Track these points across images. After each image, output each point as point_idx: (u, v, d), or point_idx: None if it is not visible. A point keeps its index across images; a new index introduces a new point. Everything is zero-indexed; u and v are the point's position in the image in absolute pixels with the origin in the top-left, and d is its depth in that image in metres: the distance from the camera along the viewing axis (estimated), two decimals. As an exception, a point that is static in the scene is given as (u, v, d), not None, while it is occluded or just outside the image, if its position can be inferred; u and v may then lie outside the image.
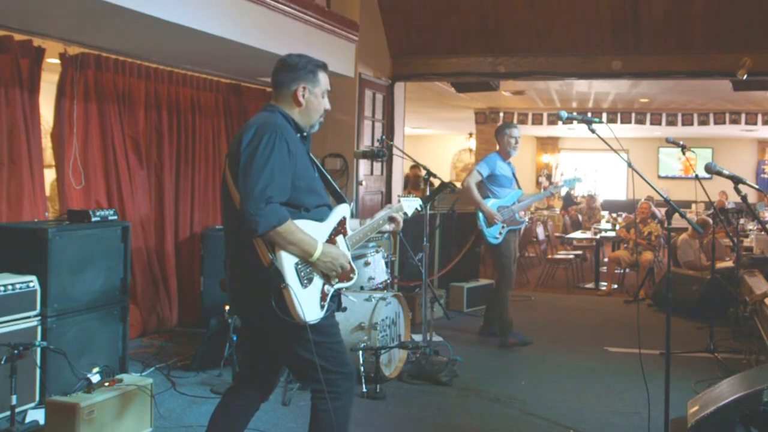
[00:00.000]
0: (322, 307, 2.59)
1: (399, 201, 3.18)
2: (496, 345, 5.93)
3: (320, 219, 2.66)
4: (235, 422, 2.85)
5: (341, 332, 4.70)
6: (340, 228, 2.74)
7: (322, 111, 2.79)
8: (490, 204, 5.93)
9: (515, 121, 13.51)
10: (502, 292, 6.05)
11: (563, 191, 6.44)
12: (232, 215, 2.57)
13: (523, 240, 11.04)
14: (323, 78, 2.78)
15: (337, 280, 2.65)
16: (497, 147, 6.10)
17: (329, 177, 2.85)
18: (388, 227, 2.98)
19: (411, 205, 3.21)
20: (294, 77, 2.72)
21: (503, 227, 5.96)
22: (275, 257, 2.47)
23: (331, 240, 2.67)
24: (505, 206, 5.99)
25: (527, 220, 6.23)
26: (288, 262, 2.49)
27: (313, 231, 2.57)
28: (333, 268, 2.59)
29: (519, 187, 6.18)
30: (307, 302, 2.51)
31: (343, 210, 2.78)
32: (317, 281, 2.59)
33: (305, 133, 2.75)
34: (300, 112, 2.72)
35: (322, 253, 2.55)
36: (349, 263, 2.68)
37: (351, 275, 2.70)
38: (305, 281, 2.54)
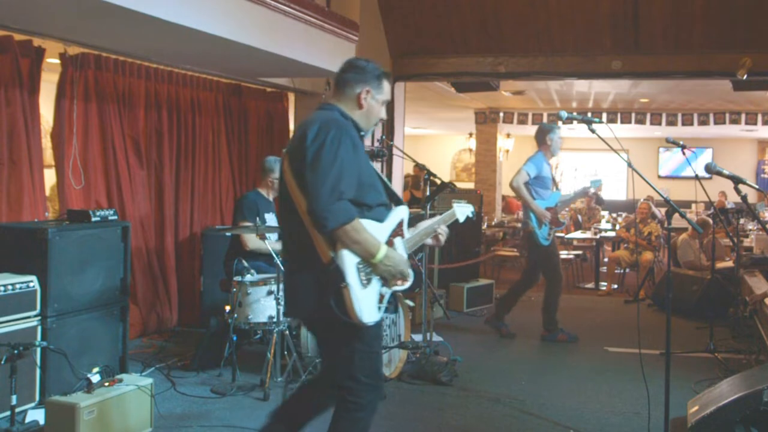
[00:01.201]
0: (379, 308, 2.58)
1: (452, 207, 3.13)
2: (541, 339, 6.13)
3: (379, 219, 2.64)
4: (307, 410, 2.82)
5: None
6: (399, 230, 2.73)
7: (379, 119, 2.79)
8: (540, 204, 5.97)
9: (515, 121, 13.51)
10: (554, 292, 6.12)
11: (591, 191, 6.44)
12: (290, 211, 2.57)
13: (523, 240, 11.07)
14: (387, 87, 2.79)
15: (395, 283, 2.62)
16: (539, 147, 6.07)
17: (384, 177, 2.82)
18: (429, 241, 2.93)
19: (463, 211, 3.17)
20: (360, 79, 2.72)
21: (551, 228, 5.96)
22: (336, 255, 2.46)
23: (389, 242, 2.65)
24: (551, 207, 5.99)
25: (566, 222, 6.29)
26: (349, 261, 2.47)
27: (374, 231, 2.55)
28: (393, 272, 2.57)
29: (558, 189, 6.19)
30: (366, 303, 2.50)
31: (401, 212, 2.76)
32: (375, 283, 2.57)
33: (363, 134, 2.75)
34: (360, 114, 2.73)
35: (384, 256, 2.53)
36: (408, 268, 2.65)
37: (407, 279, 2.65)
38: (365, 281, 2.51)
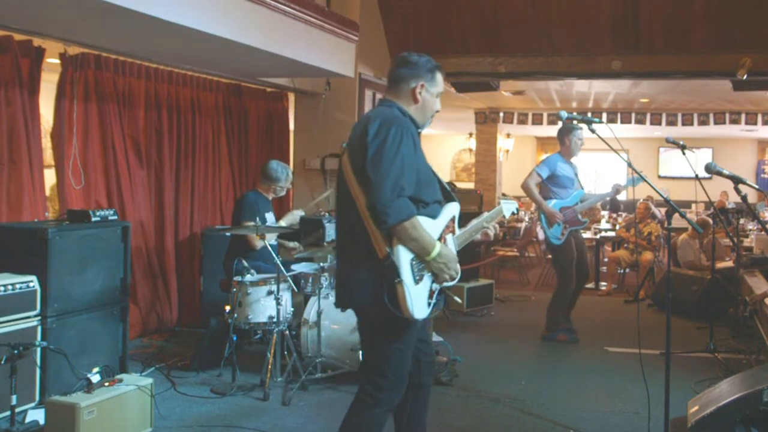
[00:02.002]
0: (428, 304, 2.62)
1: (499, 203, 3.16)
2: (541, 338, 6.14)
3: (433, 216, 2.68)
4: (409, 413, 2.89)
5: (341, 332, 4.73)
6: (450, 226, 2.78)
7: (434, 111, 2.83)
8: (552, 204, 5.99)
9: (515, 121, 13.50)
10: (562, 291, 6.15)
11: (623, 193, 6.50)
12: (348, 205, 2.62)
13: (523, 240, 11.07)
14: (440, 79, 2.83)
15: (445, 279, 2.66)
16: (559, 147, 6.14)
17: (437, 174, 2.86)
18: (478, 236, 2.99)
19: (509, 207, 3.21)
20: (414, 74, 2.76)
21: (565, 228, 5.98)
22: (392, 251, 2.50)
23: (441, 238, 2.69)
24: (568, 206, 6.02)
25: (588, 220, 6.29)
26: (404, 257, 2.51)
27: (428, 228, 2.59)
28: (445, 270, 2.62)
29: (581, 187, 6.20)
30: (417, 298, 2.54)
31: (453, 208, 2.81)
32: (427, 279, 2.61)
33: (420, 129, 2.79)
34: (416, 109, 2.77)
35: (438, 254, 2.57)
36: (458, 265, 2.70)
37: (456, 276, 2.69)
38: (417, 277, 2.56)
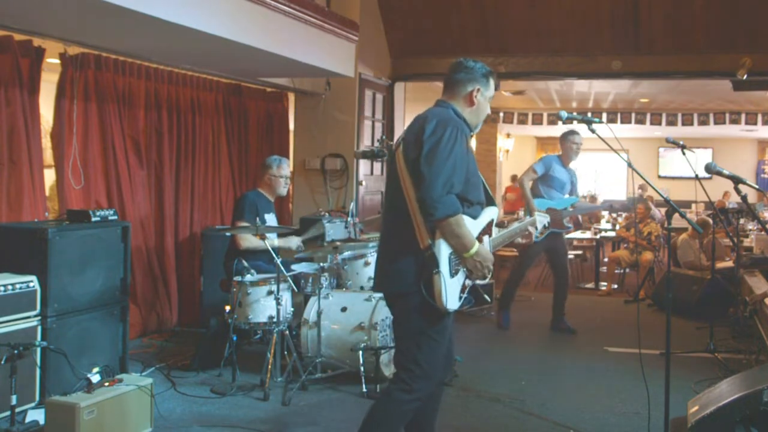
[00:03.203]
0: (460, 298, 2.78)
1: (535, 216, 3.36)
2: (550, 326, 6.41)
3: (474, 216, 2.83)
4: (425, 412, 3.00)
5: (341, 332, 4.73)
6: (488, 228, 2.92)
7: (486, 115, 2.98)
8: (538, 203, 6.11)
9: (515, 121, 13.50)
10: (514, 275, 6.66)
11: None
12: (397, 197, 2.75)
13: (524, 241, 11.05)
14: (493, 84, 2.98)
15: (478, 277, 2.80)
16: (560, 151, 6.31)
17: (481, 177, 2.98)
18: (520, 239, 3.14)
19: (542, 221, 3.40)
20: (471, 78, 2.91)
21: (546, 228, 6.03)
22: (434, 243, 2.66)
23: (479, 238, 2.81)
24: (555, 209, 6.07)
25: (572, 227, 6.38)
26: (444, 251, 2.67)
27: (469, 227, 2.73)
28: (481, 268, 2.76)
29: (577, 195, 6.31)
30: (452, 291, 2.70)
31: (492, 212, 2.96)
32: (461, 274, 2.77)
33: (472, 132, 2.94)
34: (470, 111, 2.91)
35: (476, 252, 2.71)
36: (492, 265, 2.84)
37: (489, 274, 2.82)
38: (453, 271, 2.72)
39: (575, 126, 6.67)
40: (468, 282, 2.81)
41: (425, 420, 3.02)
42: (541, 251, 6.45)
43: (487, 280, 2.90)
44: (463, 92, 2.91)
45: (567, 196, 6.28)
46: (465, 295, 2.80)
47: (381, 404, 2.81)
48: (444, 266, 2.66)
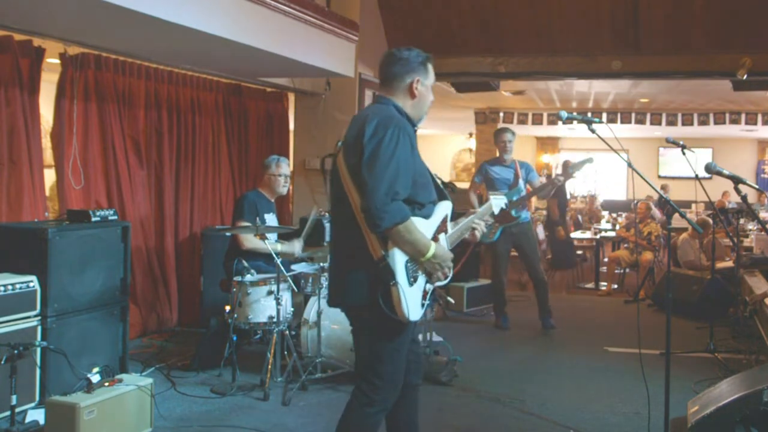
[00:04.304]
0: (422, 305, 2.62)
1: (489, 200, 3.12)
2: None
3: (427, 216, 2.67)
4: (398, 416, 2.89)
5: (341, 332, 4.72)
6: (443, 226, 2.75)
7: (430, 104, 2.82)
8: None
9: (515, 121, 13.50)
10: (492, 286, 6.77)
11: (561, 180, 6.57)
12: (343, 205, 2.59)
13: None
14: (431, 70, 2.81)
15: (438, 279, 2.65)
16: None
17: (430, 171, 2.83)
18: (466, 236, 2.94)
19: (498, 203, 3.18)
20: (408, 70, 2.73)
21: (495, 226, 6.21)
22: (387, 253, 2.48)
23: (434, 238, 2.67)
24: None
25: (523, 215, 6.39)
26: (399, 260, 2.50)
27: (421, 228, 2.57)
28: (440, 268, 2.61)
29: (517, 186, 6.38)
30: (412, 300, 2.53)
31: (446, 207, 2.79)
32: (421, 280, 2.61)
33: (416, 127, 2.77)
34: (413, 104, 2.76)
35: (433, 254, 2.56)
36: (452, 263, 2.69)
37: (448, 274, 2.69)
38: (412, 279, 2.55)
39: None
40: (429, 287, 2.65)
41: (404, 422, 2.90)
42: (508, 250, 6.52)
43: (447, 281, 2.70)
44: (402, 85, 2.73)
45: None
46: (427, 302, 2.64)
47: (346, 420, 2.68)
48: (401, 276, 2.49)
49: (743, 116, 12.47)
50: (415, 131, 2.75)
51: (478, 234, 2.94)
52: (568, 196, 11.69)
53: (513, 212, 6.25)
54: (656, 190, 3.53)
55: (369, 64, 7.30)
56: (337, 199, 2.68)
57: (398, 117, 2.63)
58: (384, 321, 2.51)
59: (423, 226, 2.59)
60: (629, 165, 3.34)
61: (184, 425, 3.93)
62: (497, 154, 6.58)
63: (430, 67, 2.79)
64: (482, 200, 6.55)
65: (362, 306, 2.61)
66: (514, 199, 6.28)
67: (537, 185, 6.60)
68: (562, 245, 9.81)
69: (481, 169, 6.61)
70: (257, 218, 4.75)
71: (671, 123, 12.72)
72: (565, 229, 9.64)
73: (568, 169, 6.45)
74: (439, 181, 2.87)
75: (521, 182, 6.40)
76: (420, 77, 2.74)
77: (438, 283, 2.68)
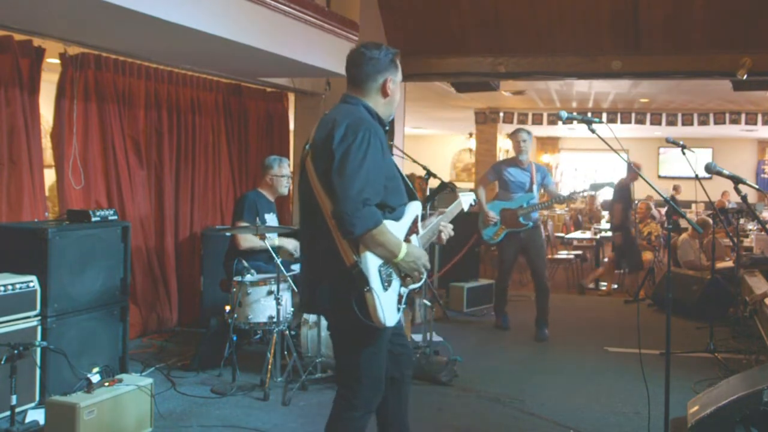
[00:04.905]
0: (398, 309, 2.57)
1: (458, 198, 3.08)
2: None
3: (398, 218, 2.62)
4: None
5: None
6: (414, 227, 2.71)
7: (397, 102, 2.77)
8: (492, 205, 6.23)
9: (515, 121, 13.49)
10: (495, 285, 6.72)
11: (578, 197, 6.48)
12: (312, 210, 2.54)
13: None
14: (399, 66, 2.76)
15: (412, 281, 2.60)
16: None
17: (401, 172, 2.78)
18: (434, 238, 2.90)
19: (467, 200, 3.15)
20: (380, 69, 2.68)
21: (502, 229, 6.12)
22: (360, 259, 2.43)
23: (406, 239, 2.63)
24: (509, 209, 6.09)
25: (531, 224, 6.21)
26: (373, 265, 2.44)
27: (393, 230, 2.52)
28: (416, 268, 2.55)
29: (532, 192, 6.22)
30: (387, 305, 2.48)
31: (416, 208, 2.73)
32: (395, 283, 2.55)
33: (386, 127, 2.71)
34: (385, 103, 2.70)
35: (406, 254, 2.51)
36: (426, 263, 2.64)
37: (422, 275, 2.63)
38: (386, 284, 2.49)
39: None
40: (404, 290, 2.58)
41: (393, 416, 2.85)
42: (514, 254, 6.38)
43: (422, 282, 2.64)
44: (375, 85, 2.66)
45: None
46: (402, 305, 2.58)
47: (333, 424, 2.64)
48: (375, 281, 2.42)
49: (743, 116, 12.47)
50: (386, 131, 2.70)
51: (444, 237, 2.90)
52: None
53: (521, 219, 6.10)
54: (656, 190, 3.53)
55: (369, 64, 7.29)
56: (305, 203, 2.63)
57: (368, 119, 2.57)
58: (359, 326, 2.46)
59: (394, 229, 2.54)
60: (629, 165, 3.34)
61: (184, 425, 3.93)
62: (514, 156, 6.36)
63: (398, 63, 2.74)
64: (493, 197, 6.49)
65: (336, 312, 2.57)
66: (525, 205, 6.12)
67: (552, 190, 6.45)
68: (625, 249, 9.29)
69: (495, 168, 6.43)
70: (257, 218, 4.75)
71: (671, 123, 12.72)
72: (624, 234, 8.95)
73: (593, 186, 6.39)
74: (408, 181, 2.82)
75: (535, 187, 6.23)
76: (391, 76, 2.69)
77: (412, 286, 2.62)
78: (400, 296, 2.57)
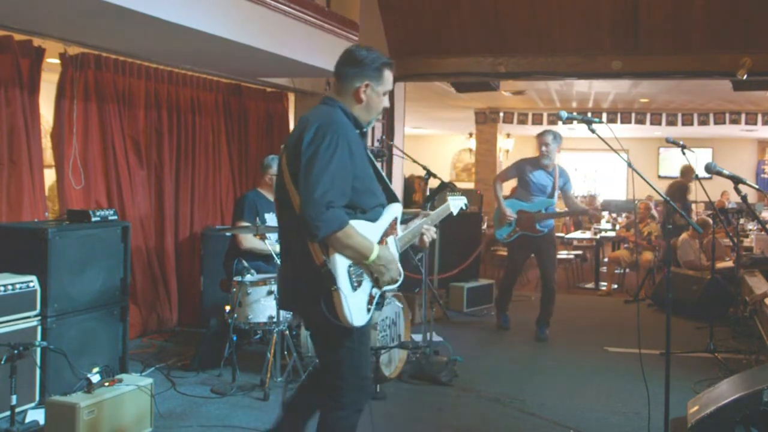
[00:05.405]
0: (368, 310, 2.57)
1: (447, 200, 3.08)
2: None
3: (374, 219, 2.62)
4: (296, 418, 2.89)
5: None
6: (391, 229, 2.70)
7: (381, 109, 2.73)
8: (509, 203, 6.15)
9: (515, 121, 13.49)
10: (501, 282, 6.64)
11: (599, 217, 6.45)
12: (287, 212, 2.57)
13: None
14: (388, 77, 2.70)
15: (385, 283, 2.60)
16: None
17: (382, 173, 2.77)
18: (416, 241, 2.88)
19: (457, 204, 3.13)
20: (359, 72, 2.63)
21: (516, 230, 6.05)
22: (329, 259, 2.44)
23: (382, 240, 2.63)
24: (527, 211, 6.02)
25: (546, 230, 6.15)
26: (341, 265, 2.46)
27: (366, 232, 2.53)
28: (385, 272, 2.56)
29: (553, 197, 6.16)
30: (355, 305, 2.49)
31: (395, 210, 2.73)
32: (366, 284, 2.56)
33: (364, 129, 2.70)
34: (359, 108, 2.66)
35: (377, 257, 2.52)
36: (400, 267, 2.64)
37: (398, 278, 2.63)
38: (355, 284, 2.50)
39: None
40: (375, 291, 2.59)
41: (302, 413, 2.88)
42: (526, 255, 6.36)
43: (397, 285, 2.64)
44: (351, 88, 2.62)
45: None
46: (374, 307, 2.58)
47: (322, 426, 2.64)
48: (343, 281, 2.44)
49: (743, 116, 12.46)
50: (363, 134, 2.69)
51: (427, 240, 2.89)
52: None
53: (537, 225, 6.03)
54: (656, 190, 3.53)
55: (369, 64, 7.29)
56: (281, 203, 2.65)
57: (340, 122, 2.54)
58: (331, 325, 2.48)
59: (369, 230, 2.54)
60: (629, 165, 3.34)
61: (184, 425, 3.93)
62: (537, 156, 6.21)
63: (386, 73, 2.68)
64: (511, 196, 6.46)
65: (308, 310, 2.59)
66: (544, 211, 6.04)
67: (570, 197, 6.34)
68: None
69: (519, 167, 6.23)
70: (257, 218, 4.75)
71: (671, 123, 12.71)
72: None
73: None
74: (388, 183, 2.82)
75: (556, 192, 6.14)
76: (371, 82, 2.64)
77: (386, 288, 2.63)
78: (371, 297, 2.58)
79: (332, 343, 2.59)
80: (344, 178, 2.45)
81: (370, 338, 2.72)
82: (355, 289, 2.49)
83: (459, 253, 7.54)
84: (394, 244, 2.71)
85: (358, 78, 2.63)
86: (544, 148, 6.03)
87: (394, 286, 2.67)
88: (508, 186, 7.81)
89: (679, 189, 8.60)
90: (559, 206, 6.42)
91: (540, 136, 6.12)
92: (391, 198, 2.77)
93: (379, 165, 2.81)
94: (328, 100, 2.68)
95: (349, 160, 2.48)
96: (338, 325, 2.47)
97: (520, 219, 6.09)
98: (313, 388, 2.85)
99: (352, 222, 2.47)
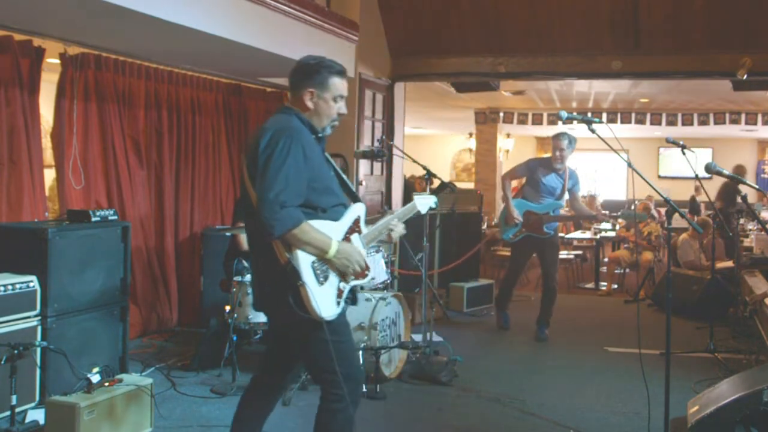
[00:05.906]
0: (338, 303, 2.65)
1: (413, 200, 3.16)
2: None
3: (336, 219, 2.71)
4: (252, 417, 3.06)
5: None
6: (355, 227, 2.79)
7: (334, 115, 2.78)
8: (517, 203, 6.09)
9: (515, 121, 13.49)
10: (503, 281, 6.59)
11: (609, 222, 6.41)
12: (250, 212, 2.64)
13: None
14: (336, 83, 2.76)
15: (353, 277, 2.69)
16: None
17: (344, 177, 2.89)
18: (383, 236, 2.97)
19: (425, 203, 3.19)
20: (303, 80, 2.75)
21: (521, 231, 6.03)
22: (292, 256, 2.54)
23: (346, 238, 2.72)
24: (535, 212, 6.02)
25: (552, 232, 6.11)
26: (304, 261, 2.55)
27: (328, 230, 2.63)
28: (348, 264, 2.64)
29: (561, 199, 6.12)
30: (323, 299, 2.58)
31: (357, 209, 2.82)
32: (333, 279, 2.65)
33: (320, 135, 2.78)
34: (309, 115, 2.75)
35: (337, 251, 2.60)
36: (364, 261, 2.72)
37: (366, 272, 2.74)
38: (321, 278, 2.60)
39: (570, 128, 6.57)
40: (343, 285, 2.67)
41: (259, 411, 3.05)
42: (529, 256, 6.36)
43: (367, 279, 2.76)
44: (297, 95, 2.75)
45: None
46: (343, 300, 2.67)
47: (321, 421, 2.74)
48: (308, 276, 2.54)
49: (743, 116, 12.47)
50: (319, 138, 2.76)
51: (394, 236, 2.97)
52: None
53: (544, 227, 5.98)
54: (656, 190, 3.53)
55: (369, 64, 7.30)
56: (247, 206, 2.71)
57: (295, 128, 2.63)
58: (303, 320, 2.56)
59: (330, 228, 2.64)
60: (629, 165, 3.34)
61: (184, 425, 3.93)
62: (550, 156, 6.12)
63: (333, 80, 2.74)
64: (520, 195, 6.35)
65: (278, 309, 2.65)
66: (552, 213, 6.01)
67: (577, 198, 6.25)
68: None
69: (530, 166, 6.15)
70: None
71: (671, 123, 12.72)
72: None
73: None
74: (349, 183, 2.90)
75: (565, 195, 6.09)
76: (315, 89, 2.72)
77: (355, 282, 2.71)
78: (339, 291, 2.67)
79: (305, 338, 2.67)
80: (298, 180, 2.54)
81: (350, 331, 2.82)
82: (321, 283, 2.59)
83: (459, 254, 7.55)
84: (359, 241, 2.79)
85: (302, 86, 2.74)
86: (558, 153, 5.91)
87: (365, 281, 2.78)
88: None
89: (730, 190, 8.55)
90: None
91: (555, 140, 5.97)
92: (354, 200, 2.88)
93: (340, 169, 2.90)
94: (285, 108, 2.79)
95: (303, 162, 2.57)
96: (308, 319, 2.55)
97: (528, 220, 6.04)
98: (256, 394, 3.03)
99: (314, 222, 2.57)
